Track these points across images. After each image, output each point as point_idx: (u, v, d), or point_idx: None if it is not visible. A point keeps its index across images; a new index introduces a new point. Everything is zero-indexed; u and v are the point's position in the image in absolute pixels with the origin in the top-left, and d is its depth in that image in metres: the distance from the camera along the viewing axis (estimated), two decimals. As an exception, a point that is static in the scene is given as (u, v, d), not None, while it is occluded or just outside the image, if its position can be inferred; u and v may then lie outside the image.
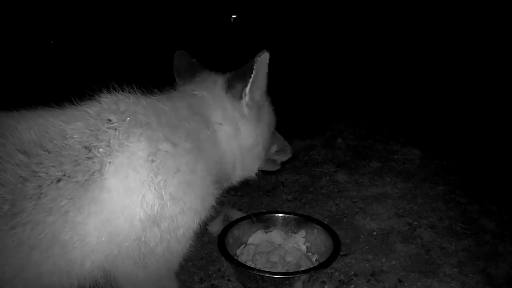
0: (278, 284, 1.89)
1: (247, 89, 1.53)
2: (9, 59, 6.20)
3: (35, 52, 7.25)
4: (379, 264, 2.19)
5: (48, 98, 1.42)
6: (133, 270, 1.34)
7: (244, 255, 2.13)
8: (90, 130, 1.25)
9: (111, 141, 1.24)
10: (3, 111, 1.28)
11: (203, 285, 2.06)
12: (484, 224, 2.52)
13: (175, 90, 1.64)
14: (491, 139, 3.72)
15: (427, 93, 5.16)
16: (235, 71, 1.61)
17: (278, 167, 1.98)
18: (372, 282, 2.07)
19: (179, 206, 1.33)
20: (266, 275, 1.86)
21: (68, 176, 1.17)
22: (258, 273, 1.86)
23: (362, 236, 2.42)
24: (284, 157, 1.97)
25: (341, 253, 2.16)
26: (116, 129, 1.27)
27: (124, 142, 1.25)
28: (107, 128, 1.27)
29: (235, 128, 1.58)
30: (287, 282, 1.88)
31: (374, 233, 2.45)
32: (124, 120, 1.30)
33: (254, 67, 1.48)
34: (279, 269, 2.02)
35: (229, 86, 1.57)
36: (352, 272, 2.13)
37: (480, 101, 4.66)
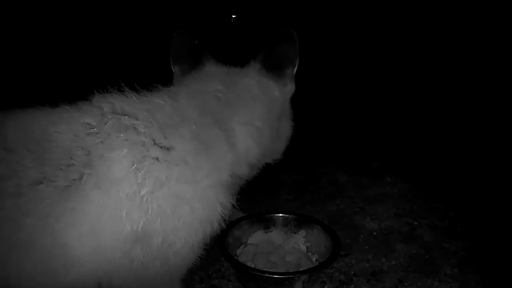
0: (278, 284, 1.89)
1: (295, 69, 1.47)
2: (9, 59, 6.20)
3: (35, 52, 7.24)
4: (379, 264, 2.19)
5: (48, 98, 1.40)
6: (131, 280, 1.25)
7: (244, 255, 2.13)
8: (74, 135, 1.16)
9: (91, 149, 1.13)
10: (1, 111, 1.23)
11: (203, 285, 2.06)
12: (484, 224, 2.52)
13: (179, 85, 1.45)
14: (491, 139, 3.71)
15: (427, 93, 5.16)
16: (265, 59, 1.49)
17: None
18: (372, 282, 2.07)
19: (171, 222, 1.18)
20: (266, 275, 1.86)
21: (49, 180, 1.09)
22: (258, 273, 1.86)
23: (362, 236, 2.42)
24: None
25: (341, 253, 2.16)
26: (95, 135, 1.16)
27: (104, 151, 1.13)
28: (87, 134, 1.16)
29: (280, 117, 1.48)
30: (287, 282, 1.88)
31: (374, 233, 2.45)
32: (106, 124, 1.17)
33: (297, 46, 1.44)
34: (279, 269, 2.02)
35: (274, 77, 1.48)
36: (352, 272, 2.13)
37: (480, 101, 4.66)
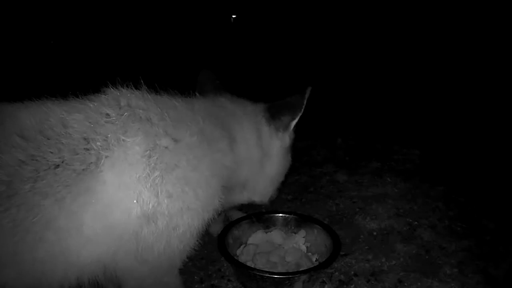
0: (278, 284, 1.89)
1: (294, 122, 1.57)
2: (9, 59, 6.20)
3: (35, 52, 7.24)
4: (379, 264, 2.19)
5: (48, 98, 1.42)
6: (134, 265, 1.33)
7: (244, 255, 2.13)
8: (89, 122, 1.26)
9: (109, 135, 1.25)
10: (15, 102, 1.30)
11: (203, 285, 2.06)
12: (484, 224, 2.52)
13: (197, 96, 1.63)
14: (491, 139, 3.72)
15: (427, 93, 5.16)
16: (275, 102, 1.62)
17: None
18: (372, 282, 2.07)
19: (177, 205, 1.31)
20: (266, 275, 1.86)
21: (66, 164, 1.18)
22: (258, 273, 1.86)
23: (362, 236, 2.42)
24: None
25: (341, 253, 2.16)
26: (113, 123, 1.27)
27: (121, 136, 1.25)
28: (105, 122, 1.27)
29: (267, 154, 1.59)
30: (287, 282, 1.88)
31: (374, 233, 2.45)
32: (122, 115, 1.29)
33: (304, 103, 1.53)
34: (279, 269, 2.02)
35: (273, 117, 1.58)
36: (352, 272, 2.13)
37: (479, 101, 4.66)
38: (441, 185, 2.96)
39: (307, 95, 1.53)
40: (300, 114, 1.55)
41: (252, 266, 1.99)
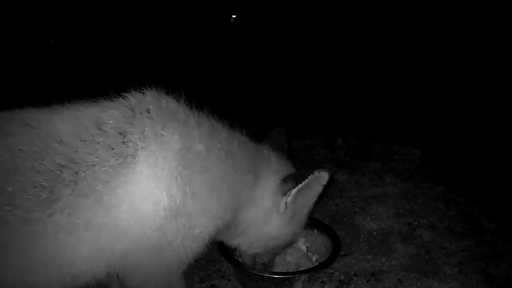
0: (278, 284, 1.89)
1: (294, 191, 1.55)
2: (9, 59, 6.20)
3: (35, 52, 7.24)
4: (379, 264, 2.19)
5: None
6: (147, 264, 1.36)
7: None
8: (124, 117, 1.30)
9: (146, 128, 1.29)
10: (7, 110, 1.31)
11: (203, 285, 2.06)
12: (484, 224, 2.52)
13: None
14: (491, 139, 3.72)
15: (427, 93, 5.16)
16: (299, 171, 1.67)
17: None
18: (372, 282, 2.07)
19: (199, 206, 1.35)
20: (266, 275, 1.86)
21: (103, 160, 1.22)
22: (258, 273, 1.86)
23: (362, 236, 2.42)
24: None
25: (341, 253, 2.16)
26: (152, 118, 1.31)
27: (159, 130, 1.29)
28: (144, 116, 1.31)
29: (264, 212, 1.61)
30: (287, 282, 1.88)
31: (374, 233, 2.45)
32: (162, 112, 1.34)
33: (308, 178, 1.53)
34: (279, 269, 2.02)
35: (284, 180, 1.60)
36: (352, 272, 2.13)
37: (479, 101, 4.66)
38: (441, 185, 2.96)
39: (315, 174, 1.55)
40: (299, 186, 1.55)
41: (252, 266, 1.98)
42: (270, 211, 1.61)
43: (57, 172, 1.18)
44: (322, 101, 5.19)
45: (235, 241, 1.72)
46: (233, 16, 10.83)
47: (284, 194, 1.59)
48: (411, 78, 5.86)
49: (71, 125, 1.26)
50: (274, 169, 1.63)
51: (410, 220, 2.55)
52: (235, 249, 2.12)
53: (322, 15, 9.14)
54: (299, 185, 1.54)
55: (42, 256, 1.20)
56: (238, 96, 5.24)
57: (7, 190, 1.15)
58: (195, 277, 2.09)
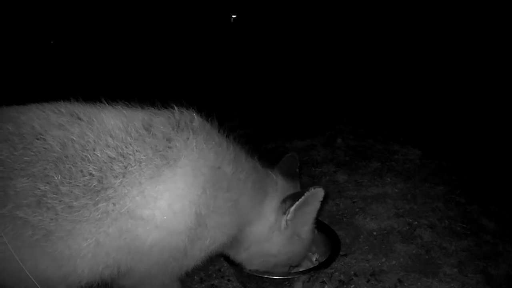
0: (277, 284, 1.89)
1: (292, 209, 1.64)
2: (9, 59, 6.20)
3: (35, 52, 7.25)
4: (379, 264, 2.19)
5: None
6: (153, 264, 1.41)
7: (244, 255, 2.13)
8: (170, 125, 1.42)
9: (189, 139, 1.41)
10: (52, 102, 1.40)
11: (203, 285, 2.06)
12: (484, 224, 2.52)
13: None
14: (491, 139, 3.72)
15: (427, 93, 5.16)
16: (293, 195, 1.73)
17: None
18: (372, 282, 2.07)
19: (217, 220, 1.47)
20: (266, 275, 1.86)
21: (150, 159, 1.32)
22: (257, 274, 1.86)
23: (362, 236, 2.42)
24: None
25: (341, 253, 2.16)
26: (195, 132, 1.43)
27: (201, 143, 1.42)
28: (188, 129, 1.43)
29: (267, 229, 1.70)
30: (286, 282, 1.88)
31: (374, 233, 2.45)
32: (203, 131, 1.46)
33: (304, 195, 1.61)
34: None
35: (284, 200, 1.70)
36: (352, 272, 2.13)
37: (480, 101, 4.66)
38: (441, 185, 2.96)
39: (311, 191, 1.61)
40: (297, 203, 1.63)
41: (252, 266, 1.98)
42: (272, 229, 1.70)
43: (108, 163, 1.28)
44: (322, 101, 5.19)
45: (240, 256, 1.79)
46: (233, 16, 10.84)
47: (284, 213, 1.67)
48: (411, 78, 5.86)
49: (122, 123, 1.36)
50: (279, 191, 1.73)
51: (410, 220, 2.55)
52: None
53: (322, 15, 9.15)
54: (297, 203, 1.62)
55: (83, 244, 1.25)
56: (238, 96, 5.24)
57: (55, 179, 1.22)
58: (195, 277, 2.10)
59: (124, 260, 1.34)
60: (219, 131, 1.59)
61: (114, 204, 1.26)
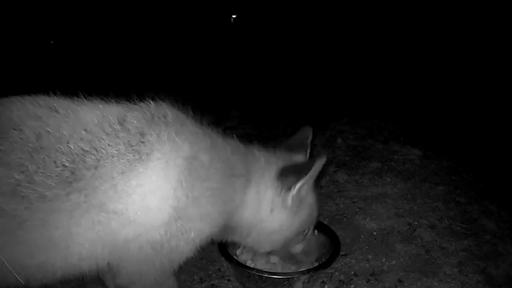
0: (277, 284, 1.89)
1: (298, 185, 1.58)
2: (9, 59, 6.20)
3: (35, 52, 7.25)
4: (379, 264, 2.19)
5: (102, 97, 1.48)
6: (141, 260, 1.43)
7: (244, 255, 2.13)
8: (145, 120, 1.43)
9: (162, 133, 1.42)
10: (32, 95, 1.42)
11: (203, 285, 2.06)
12: (484, 224, 2.52)
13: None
14: (491, 139, 3.72)
15: (427, 93, 5.16)
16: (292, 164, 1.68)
17: (295, 263, 1.96)
18: (372, 282, 2.07)
19: (198, 211, 1.46)
20: (265, 275, 1.86)
21: (122, 154, 1.34)
22: (257, 273, 1.86)
23: (362, 236, 2.42)
24: (303, 261, 1.94)
25: (341, 253, 2.16)
26: (168, 125, 1.44)
27: (173, 136, 1.42)
28: (162, 122, 1.44)
29: (268, 209, 1.64)
30: (286, 282, 1.88)
31: (374, 233, 2.45)
32: (177, 122, 1.47)
33: (312, 169, 1.55)
34: (279, 270, 2.02)
35: (282, 174, 1.62)
36: (352, 272, 2.13)
37: (480, 101, 4.66)
38: (441, 185, 2.96)
39: (318, 164, 1.55)
40: (304, 179, 1.56)
41: (252, 266, 1.98)
42: (270, 207, 1.64)
43: (81, 156, 1.30)
44: (322, 101, 5.19)
45: (246, 242, 1.77)
46: (233, 16, 10.84)
47: (289, 189, 1.60)
48: (411, 78, 5.86)
49: (97, 118, 1.38)
50: (265, 168, 1.67)
51: (410, 220, 2.55)
52: (235, 246, 2.13)
53: (322, 15, 9.15)
54: (306, 177, 1.57)
55: (55, 233, 1.27)
56: (238, 96, 5.24)
57: (29, 168, 1.24)
58: (195, 277, 2.09)
59: (100, 253, 1.35)
60: (195, 120, 1.58)
61: (86, 196, 1.28)
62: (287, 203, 1.63)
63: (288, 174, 1.61)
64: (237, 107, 4.88)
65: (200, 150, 1.48)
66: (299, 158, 1.80)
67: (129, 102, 1.51)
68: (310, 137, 1.87)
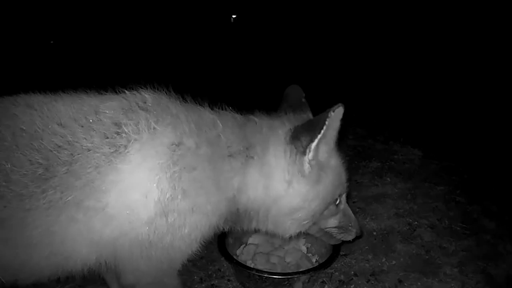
0: (277, 284, 1.89)
1: (313, 144, 1.37)
2: (9, 59, 6.20)
3: (35, 52, 7.24)
4: (379, 264, 2.19)
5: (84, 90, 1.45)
6: (137, 259, 1.37)
7: (244, 255, 2.13)
8: (122, 109, 1.35)
9: (140, 121, 1.32)
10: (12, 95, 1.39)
11: (203, 285, 2.06)
12: (484, 224, 2.52)
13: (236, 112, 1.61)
14: (491, 139, 3.71)
15: (427, 93, 5.16)
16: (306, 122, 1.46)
17: (336, 242, 1.76)
18: (372, 282, 2.07)
19: (189, 204, 1.34)
20: (265, 275, 1.86)
21: (96, 147, 1.27)
22: (257, 273, 1.86)
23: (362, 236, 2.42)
24: (346, 237, 1.68)
25: (341, 253, 2.16)
26: (147, 112, 1.35)
27: (152, 124, 1.32)
28: (140, 110, 1.35)
29: (284, 182, 1.42)
30: (286, 282, 1.88)
31: (374, 233, 2.45)
32: (157, 108, 1.37)
33: (326, 122, 1.35)
34: (279, 270, 2.02)
35: (293, 136, 1.41)
36: (352, 272, 2.13)
37: (480, 101, 4.66)
38: (441, 185, 2.96)
39: (332, 115, 1.35)
40: (319, 136, 1.34)
41: (252, 266, 1.98)
42: (284, 180, 1.42)
43: (54, 151, 1.25)
44: (322, 101, 5.19)
45: (268, 228, 1.54)
46: (233, 16, 10.84)
47: (304, 153, 1.38)
48: (412, 78, 5.86)
49: (72, 110, 1.32)
50: (270, 135, 1.47)
51: (410, 220, 2.55)
52: (235, 246, 2.12)
53: (322, 15, 9.14)
54: (319, 135, 1.35)
55: (34, 231, 1.24)
56: (238, 95, 5.24)
57: (6, 167, 1.22)
58: (195, 277, 2.09)
59: (85, 252, 1.31)
60: (179, 100, 1.46)
61: (61, 192, 1.23)
62: (304, 170, 1.39)
63: (299, 136, 1.39)
64: (237, 107, 4.88)
65: (184, 134, 1.34)
66: (305, 118, 1.57)
67: (108, 93, 1.43)
68: (303, 94, 1.69)
